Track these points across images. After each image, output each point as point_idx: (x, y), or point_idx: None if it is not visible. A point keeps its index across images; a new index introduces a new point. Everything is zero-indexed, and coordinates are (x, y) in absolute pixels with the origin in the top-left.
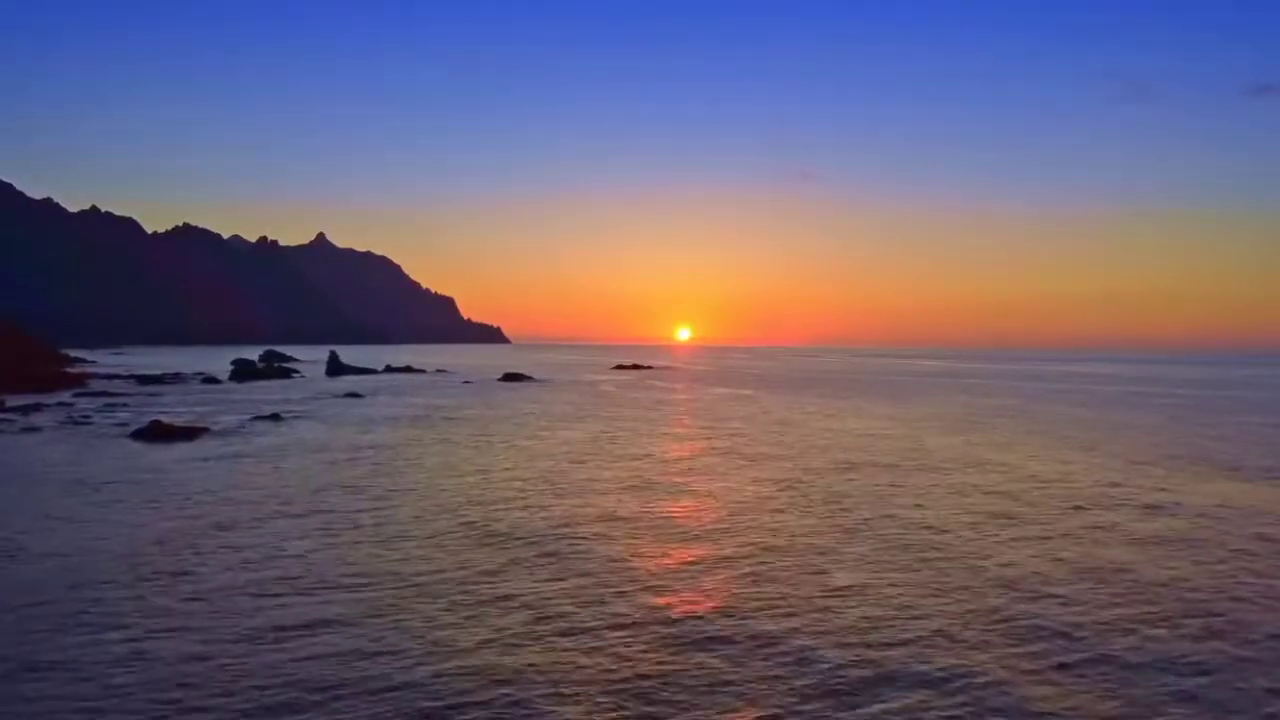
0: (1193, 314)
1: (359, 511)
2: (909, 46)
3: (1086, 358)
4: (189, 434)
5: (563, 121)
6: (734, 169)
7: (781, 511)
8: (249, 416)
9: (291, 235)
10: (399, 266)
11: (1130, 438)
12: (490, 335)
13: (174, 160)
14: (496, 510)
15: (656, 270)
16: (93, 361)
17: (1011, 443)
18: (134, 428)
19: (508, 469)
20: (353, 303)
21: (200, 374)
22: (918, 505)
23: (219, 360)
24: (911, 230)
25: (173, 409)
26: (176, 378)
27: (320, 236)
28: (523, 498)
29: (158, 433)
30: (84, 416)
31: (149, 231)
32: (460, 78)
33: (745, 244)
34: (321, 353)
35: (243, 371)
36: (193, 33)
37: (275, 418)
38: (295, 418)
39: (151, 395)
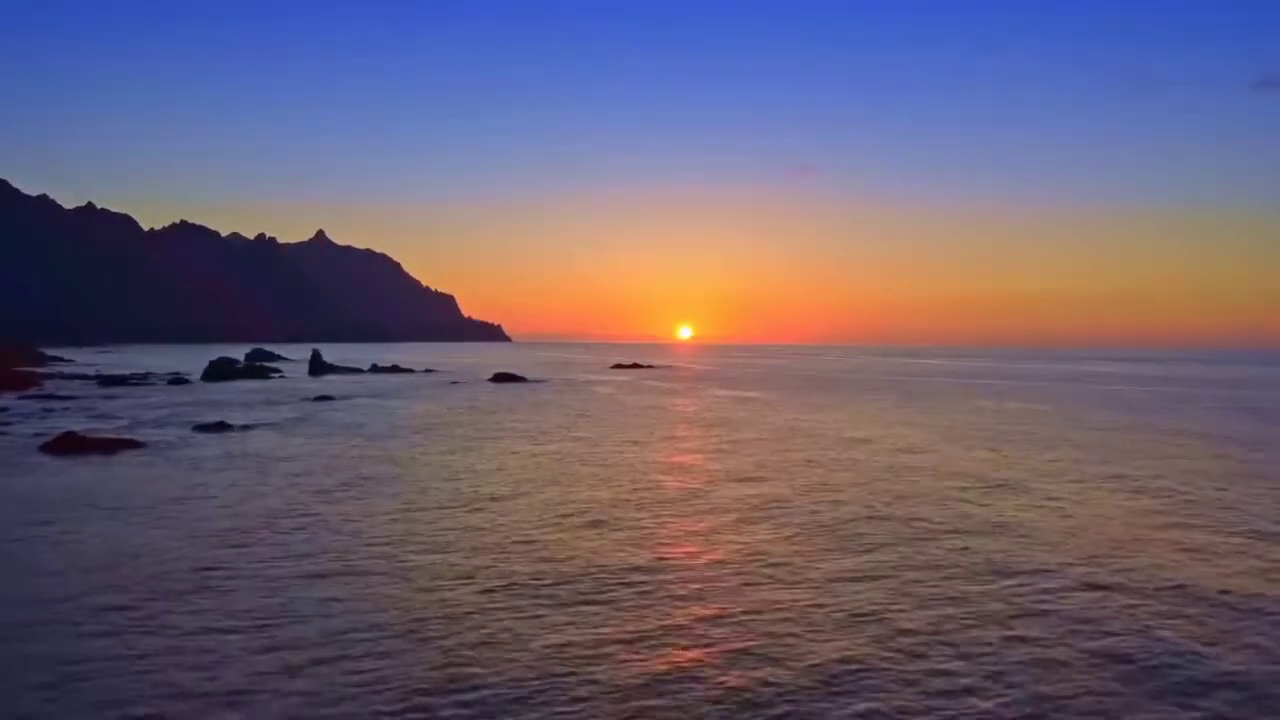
0: (1195, 312)
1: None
2: (908, 39)
3: (1099, 357)
4: (106, 447)
5: (562, 119)
6: (734, 165)
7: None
8: (192, 425)
9: (290, 233)
10: (399, 264)
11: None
12: (491, 333)
13: (171, 158)
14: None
15: (658, 268)
16: (70, 360)
17: (1105, 470)
18: (49, 438)
19: (424, 527)
20: (353, 300)
21: (173, 374)
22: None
23: (208, 359)
24: (912, 225)
25: (116, 415)
26: (145, 378)
27: (320, 234)
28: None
29: (68, 446)
30: (5, 424)
31: (146, 229)
32: (459, 76)
33: (746, 240)
34: (325, 351)
35: (217, 371)
36: (190, 28)
37: (220, 426)
38: (245, 426)
39: (103, 399)
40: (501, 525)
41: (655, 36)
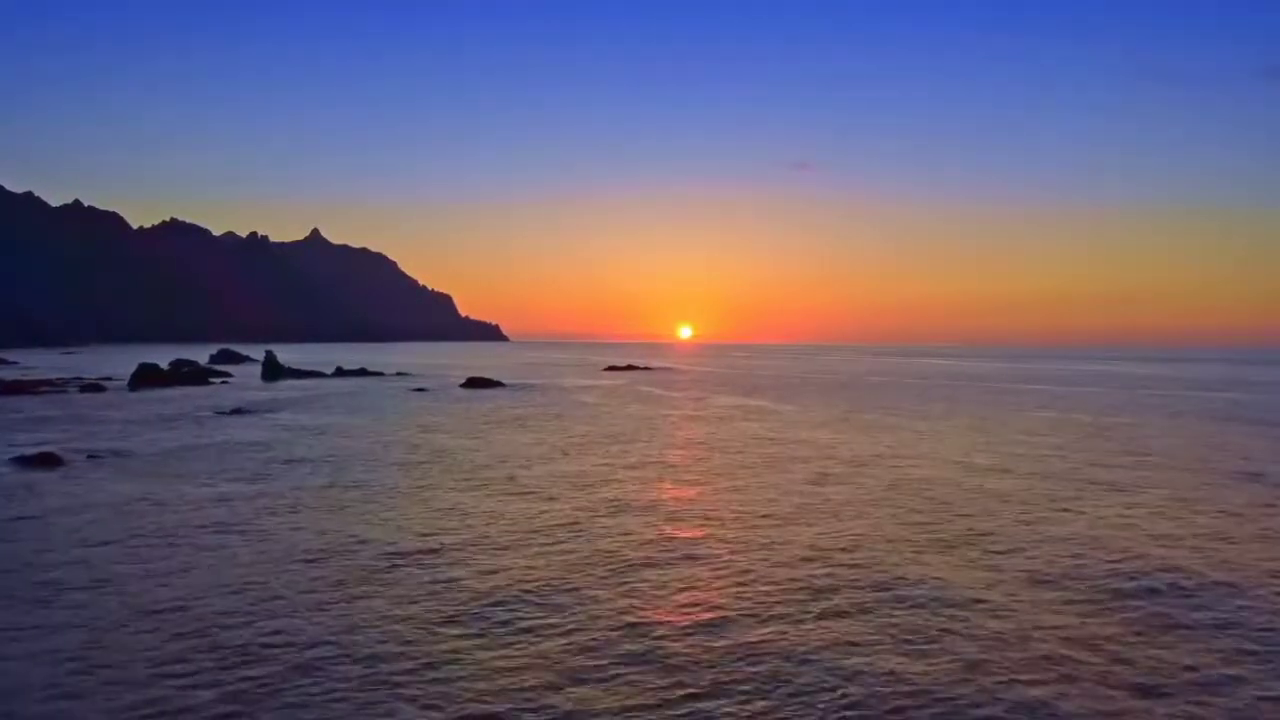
0: (1199, 311)
1: None
2: (907, 35)
3: (1107, 357)
4: None
5: (560, 118)
6: (732, 161)
7: None
8: (11, 457)
9: (285, 232)
10: (395, 264)
11: None
12: (488, 333)
13: (161, 155)
14: None
15: (657, 266)
16: (15, 364)
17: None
18: None
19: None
20: (349, 300)
21: (104, 378)
22: None
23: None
24: (911, 222)
25: None
26: (71, 382)
27: (314, 233)
28: None
29: None
30: None
31: (135, 227)
32: (455, 74)
33: (745, 238)
34: (312, 351)
35: (144, 377)
36: (183, 23)
37: (45, 461)
38: (90, 456)
39: None
40: None
41: (651, 35)
